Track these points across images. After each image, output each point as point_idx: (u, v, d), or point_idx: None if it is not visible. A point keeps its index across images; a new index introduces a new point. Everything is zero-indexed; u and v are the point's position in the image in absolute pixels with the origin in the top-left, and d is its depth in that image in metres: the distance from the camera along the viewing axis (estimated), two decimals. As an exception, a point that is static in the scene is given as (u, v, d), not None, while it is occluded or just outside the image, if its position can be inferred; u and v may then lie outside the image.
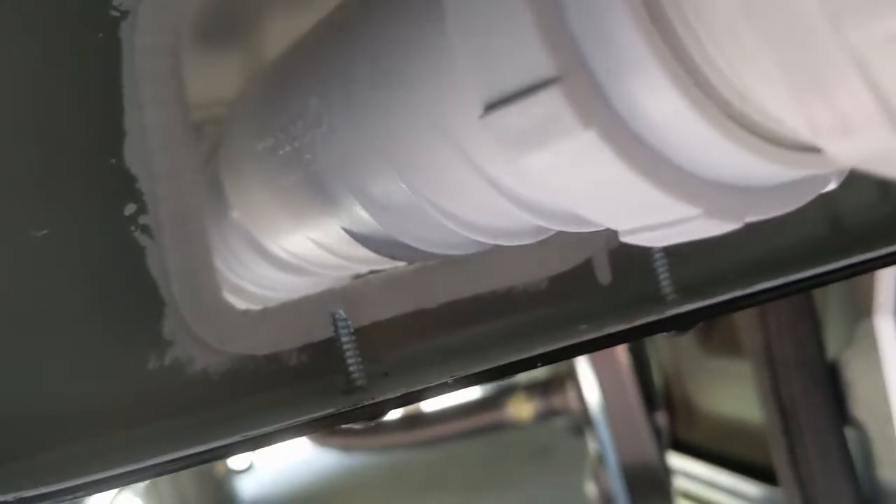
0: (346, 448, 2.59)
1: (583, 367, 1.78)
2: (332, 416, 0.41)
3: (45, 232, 0.41)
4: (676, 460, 1.53)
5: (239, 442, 0.41)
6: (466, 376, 0.43)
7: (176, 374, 0.43)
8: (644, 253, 0.48)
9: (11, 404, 0.40)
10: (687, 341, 1.56)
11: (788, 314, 1.05)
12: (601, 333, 0.45)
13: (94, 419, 0.41)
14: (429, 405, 3.07)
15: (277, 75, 0.50)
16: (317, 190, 0.43)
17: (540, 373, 2.96)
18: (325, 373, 0.44)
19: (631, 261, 0.49)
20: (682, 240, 0.31)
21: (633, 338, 0.47)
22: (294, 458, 5.16)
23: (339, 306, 0.43)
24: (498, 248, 0.47)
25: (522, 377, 3.21)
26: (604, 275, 0.49)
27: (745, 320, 1.10)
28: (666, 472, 1.60)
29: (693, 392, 1.55)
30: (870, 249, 0.51)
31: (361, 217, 0.42)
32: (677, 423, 1.57)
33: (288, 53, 0.49)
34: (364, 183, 0.40)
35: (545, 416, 2.11)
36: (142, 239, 0.42)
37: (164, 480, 3.65)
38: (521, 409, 2.18)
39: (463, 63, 0.28)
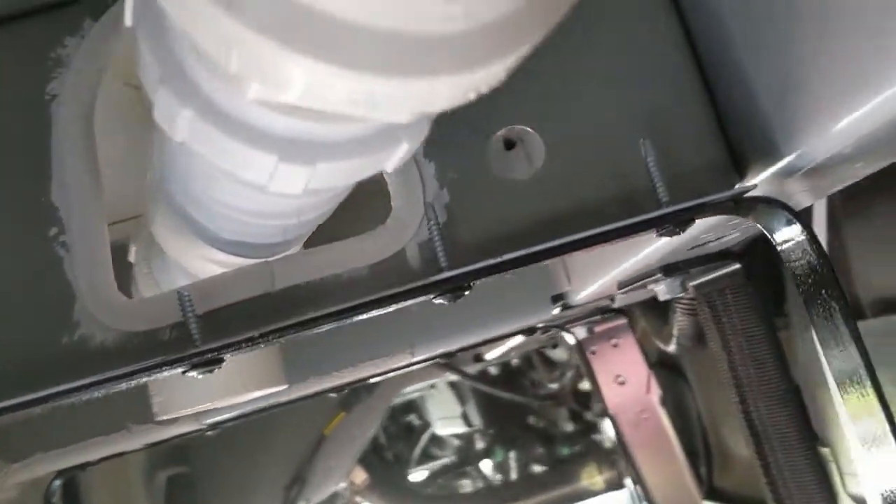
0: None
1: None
2: (167, 361, 0.56)
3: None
4: (711, 508, 1.55)
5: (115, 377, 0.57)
6: (271, 330, 0.58)
7: (82, 346, 0.59)
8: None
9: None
10: (720, 393, 1.60)
11: (747, 336, 1.11)
12: (383, 294, 0.59)
13: (26, 377, 0.59)
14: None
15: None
16: (176, 209, 0.60)
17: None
18: (187, 344, 0.59)
19: (433, 248, 0.62)
20: (323, 185, 0.44)
21: (411, 297, 0.59)
22: None
23: (192, 292, 0.59)
24: (325, 245, 0.62)
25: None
26: (415, 261, 0.62)
27: (714, 349, 1.16)
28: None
29: (728, 438, 1.58)
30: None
31: (200, 223, 0.58)
32: (714, 470, 1.60)
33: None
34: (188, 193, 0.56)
35: (615, 485, 2.15)
36: (60, 251, 0.60)
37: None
38: (594, 479, 2.23)
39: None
